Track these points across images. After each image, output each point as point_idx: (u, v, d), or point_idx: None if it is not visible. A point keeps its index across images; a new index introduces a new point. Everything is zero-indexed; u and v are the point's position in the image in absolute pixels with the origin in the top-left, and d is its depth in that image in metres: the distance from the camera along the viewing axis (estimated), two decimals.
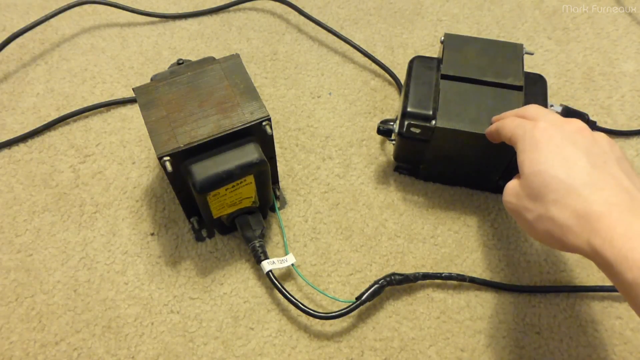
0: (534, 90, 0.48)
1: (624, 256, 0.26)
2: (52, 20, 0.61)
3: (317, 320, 0.45)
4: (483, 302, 0.46)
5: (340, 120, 0.57)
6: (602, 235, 0.28)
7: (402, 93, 0.49)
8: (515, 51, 0.48)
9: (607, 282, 0.47)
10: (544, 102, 0.48)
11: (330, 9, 0.67)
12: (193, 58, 0.53)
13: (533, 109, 0.37)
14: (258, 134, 0.42)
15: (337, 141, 0.56)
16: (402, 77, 0.55)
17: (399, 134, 0.47)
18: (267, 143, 0.44)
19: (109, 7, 0.65)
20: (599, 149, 0.32)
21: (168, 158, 0.39)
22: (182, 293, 0.46)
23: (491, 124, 0.42)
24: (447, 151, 0.47)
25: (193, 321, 0.45)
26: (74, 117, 0.57)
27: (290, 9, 0.66)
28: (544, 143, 0.32)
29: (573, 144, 0.31)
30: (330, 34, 0.63)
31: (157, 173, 0.53)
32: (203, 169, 0.40)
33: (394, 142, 0.50)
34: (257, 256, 0.45)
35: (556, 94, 0.59)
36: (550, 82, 0.54)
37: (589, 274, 0.47)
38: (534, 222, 0.32)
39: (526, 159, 0.32)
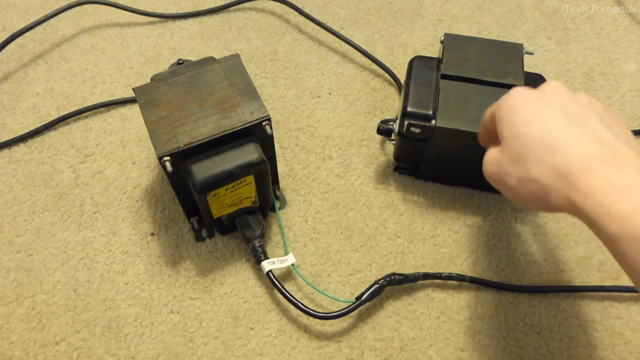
0: None
1: (606, 210, 0.26)
2: (52, 20, 0.61)
3: (317, 320, 0.45)
4: (483, 302, 0.46)
5: (340, 120, 0.57)
6: (583, 190, 0.27)
7: (402, 93, 0.49)
8: (515, 51, 0.48)
9: (607, 282, 0.47)
10: None
11: (330, 9, 0.67)
12: (193, 58, 0.53)
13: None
14: (258, 134, 0.42)
15: (337, 141, 0.56)
16: (402, 77, 0.55)
17: (399, 133, 0.47)
18: (267, 143, 0.44)
19: (109, 7, 0.65)
20: (577, 105, 0.31)
21: (168, 158, 0.39)
22: (182, 293, 0.46)
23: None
24: (447, 151, 0.47)
25: (193, 321, 0.45)
26: (74, 117, 0.57)
27: (290, 9, 0.66)
28: (520, 106, 0.32)
29: (549, 104, 0.31)
30: (330, 34, 0.63)
31: (157, 173, 0.53)
32: (203, 169, 0.40)
33: (394, 142, 0.50)
34: (257, 256, 0.45)
35: None
36: None
37: (589, 274, 0.47)
38: (515, 185, 0.31)
39: (505, 125, 0.32)
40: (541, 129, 0.30)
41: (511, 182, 0.31)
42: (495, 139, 0.36)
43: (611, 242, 0.26)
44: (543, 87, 0.33)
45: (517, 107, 0.32)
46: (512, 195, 0.32)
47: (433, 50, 0.64)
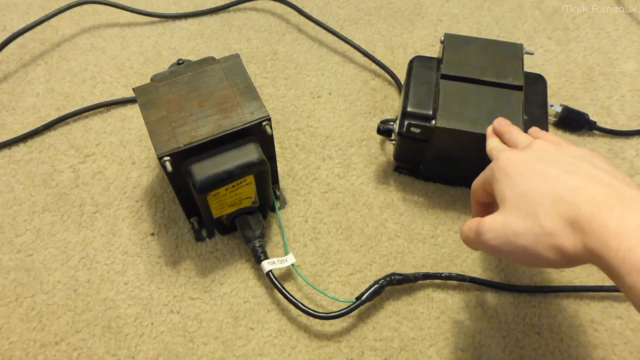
0: (534, 90, 0.48)
1: (621, 258, 0.25)
2: (52, 20, 0.61)
3: (317, 320, 0.45)
4: (483, 302, 0.46)
5: (340, 120, 0.57)
6: (596, 236, 0.27)
7: (402, 93, 0.49)
8: (515, 51, 0.48)
9: (607, 282, 0.47)
10: (543, 102, 0.48)
11: (330, 9, 0.67)
12: (193, 58, 0.53)
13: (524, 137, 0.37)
14: (258, 134, 0.42)
15: (337, 141, 0.56)
16: (402, 77, 0.55)
17: (399, 134, 0.47)
18: (267, 143, 0.44)
19: (109, 7, 0.65)
20: (567, 157, 0.32)
21: (168, 158, 0.39)
22: (182, 293, 0.46)
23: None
24: (447, 151, 0.47)
25: (193, 321, 0.45)
26: (74, 117, 0.57)
27: (290, 9, 0.66)
28: (514, 168, 0.32)
29: (541, 160, 0.32)
30: (330, 34, 0.63)
31: (157, 173, 0.53)
32: (203, 169, 0.40)
33: (394, 142, 0.50)
34: (257, 256, 0.45)
35: (556, 94, 0.59)
36: (550, 82, 0.54)
37: (589, 274, 0.47)
38: (531, 244, 0.30)
39: (505, 188, 0.32)
40: (544, 184, 0.30)
41: (524, 242, 0.30)
42: (488, 209, 0.36)
43: (628, 290, 0.26)
44: (529, 147, 0.34)
45: (512, 169, 0.32)
46: (526, 256, 0.31)
47: (433, 50, 0.64)
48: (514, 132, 0.38)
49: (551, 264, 0.30)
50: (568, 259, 0.29)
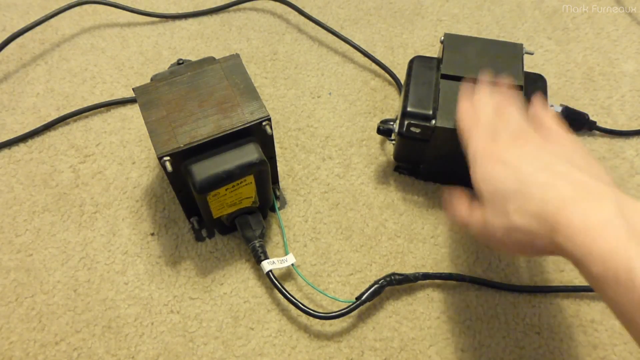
0: (534, 90, 0.48)
1: (587, 251, 0.26)
2: (52, 20, 0.61)
3: (317, 320, 0.45)
4: (483, 302, 0.46)
5: (340, 120, 0.57)
6: (563, 232, 0.28)
7: (402, 93, 0.49)
8: (515, 51, 0.48)
9: None
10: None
11: (330, 9, 0.67)
12: (193, 58, 0.53)
13: (481, 104, 0.39)
14: (258, 134, 0.42)
15: (337, 141, 0.56)
16: (402, 77, 0.55)
17: (399, 133, 0.47)
18: (267, 143, 0.44)
19: (109, 7, 0.65)
20: (545, 155, 0.33)
21: (168, 158, 0.39)
22: (182, 293, 0.46)
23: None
24: (447, 151, 0.47)
25: (193, 321, 0.45)
26: (74, 117, 0.57)
27: (290, 9, 0.66)
28: (487, 162, 0.34)
29: (517, 157, 0.33)
30: (330, 34, 0.63)
31: (157, 173, 0.53)
32: (203, 169, 0.40)
33: (394, 142, 0.50)
34: (257, 256, 0.45)
35: (556, 94, 0.59)
36: (550, 82, 0.54)
37: None
38: (503, 237, 0.32)
39: (482, 185, 0.34)
40: (517, 181, 0.32)
41: (498, 235, 0.33)
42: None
43: (595, 282, 0.27)
44: (517, 138, 0.35)
45: (485, 163, 0.34)
46: (503, 247, 0.34)
47: (433, 50, 0.64)
48: (510, 120, 0.38)
49: (523, 254, 0.33)
50: (539, 252, 0.31)
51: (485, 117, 0.38)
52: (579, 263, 0.27)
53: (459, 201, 0.39)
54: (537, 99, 0.40)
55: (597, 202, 0.28)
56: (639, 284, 0.24)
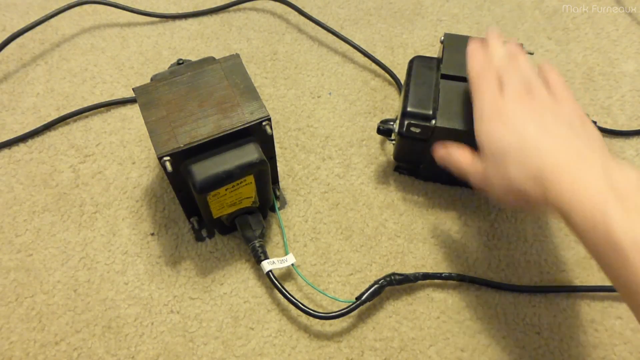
0: None
1: (573, 207, 0.31)
2: (52, 20, 0.61)
3: (317, 320, 0.45)
4: (483, 302, 0.46)
5: (340, 120, 0.57)
6: (554, 191, 0.32)
7: (402, 93, 0.49)
8: None
9: (607, 282, 0.47)
10: None
11: (330, 9, 0.67)
12: (193, 58, 0.53)
13: (496, 56, 0.41)
14: (258, 134, 0.42)
15: (337, 141, 0.56)
16: (402, 77, 0.55)
17: (399, 133, 0.47)
18: (267, 143, 0.44)
19: (109, 7, 0.65)
20: (549, 116, 0.36)
21: (168, 158, 0.39)
22: (182, 293, 0.46)
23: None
24: None
25: (193, 321, 0.45)
26: (74, 117, 0.57)
27: (290, 9, 0.66)
28: (493, 120, 0.37)
29: (522, 116, 0.36)
30: (330, 34, 0.63)
31: (157, 173, 0.53)
32: (203, 169, 0.40)
33: (394, 142, 0.50)
34: (257, 256, 0.45)
35: None
36: None
37: (589, 274, 0.47)
38: (501, 193, 0.36)
39: (484, 137, 0.37)
40: (517, 145, 0.35)
41: (497, 190, 0.36)
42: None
43: (580, 236, 0.31)
44: (525, 91, 0.37)
45: (495, 119, 0.36)
46: (500, 201, 0.37)
47: (433, 50, 0.64)
48: (521, 66, 0.39)
49: (520, 209, 0.37)
50: (531, 205, 0.35)
51: (498, 59, 0.40)
52: (566, 217, 0.32)
53: (461, 151, 0.41)
54: (544, 64, 0.42)
55: (587, 166, 0.32)
56: (612, 231, 0.29)
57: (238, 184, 0.41)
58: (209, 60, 0.46)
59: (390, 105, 0.59)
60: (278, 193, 0.51)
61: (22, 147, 0.55)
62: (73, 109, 0.57)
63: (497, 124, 0.36)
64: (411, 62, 0.50)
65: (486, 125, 0.37)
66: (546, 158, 0.33)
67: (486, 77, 0.39)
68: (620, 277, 0.29)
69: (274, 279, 0.44)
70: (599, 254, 0.30)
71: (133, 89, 0.43)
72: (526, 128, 0.35)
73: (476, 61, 0.41)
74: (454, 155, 0.41)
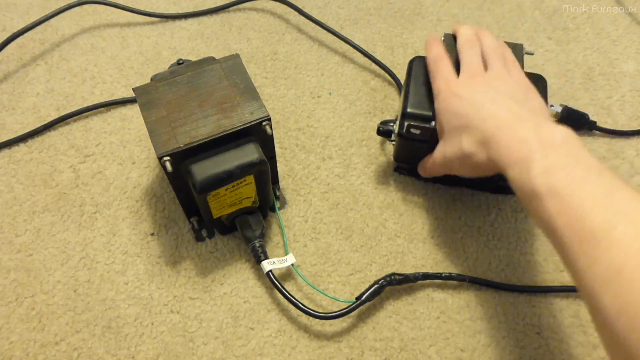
0: None
1: (508, 160, 0.35)
2: (52, 20, 0.61)
3: (317, 320, 0.45)
4: (483, 302, 0.46)
5: (340, 120, 0.57)
6: (494, 148, 0.36)
7: (402, 93, 0.49)
8: (515, 51, 0.48)
9: None
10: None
11: (330, 9, 0.67)
12: (193, 58, 0.53)
13: (462, 44, 0.46)
14: (258, 134, 0.42)
15: (337, 141, 0.56)
16: (402, 77, 0.55)
17: (399, 134, 0.47)
18: (267, 143, 0.44)
19: (109, 7, 0.65)
20: (495, 87, 0.41)
21: (168, 158, 0.39)
22: (182, 293, 0.46)
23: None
24: None
25: (193, 321, 0.45)
26: (74, 117, 0.57)
27: (290, 9, 0.66)
28: (447, 97, 0.42)
29: (468, 90, 0.41)
30: (330, 34, 0.63)
31: (157, 173, 0.53)
32: (203, 169, 0.40)
33: (393, 142, 0.50)
34: (257, 256, 0.45)
35: (556, 94, 0.59)
36: (550, 82, 0.54)
37: None
38: (457, 164, 0.41)
39: (444, 125, 0.42)
40: (467, 115, 0.40)
41: (455, 163, 0.41)
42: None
43: (513, 184, 0.35)
44: (465, 78, 0.43)
45: (448, 104, 0.42)
46: (459, 171, 0.42)
47: None
48: (474, 52, 0.45)
49: (475, 174, 0.40)
50: (483, 170, 0.39)
51: (462, 38, 0.46)
52: (504, 170, 0.35)
53: (424, 161, 0.48)
54: (499, 40, 0.47)
55: (521, 126, 0.36)
56: (532, 178, 0.33)
57: (238, 184, 0.41)
58: (209, 60, 0.46)
59: (390, 105, 0.59)
60: (278, 193, 0.51)
61: (22, 147, 0.55)
62: (73, 109, 0.57)
63: (452, 101, 0.41)
64: (411, 62, 0.50)
65: (442, 103, 0.42)
66: (489, 123, 0.38)
67: (442, 61, 0.44)
68: (542, 222, 0.32)
69: (274, 279, 0.44)
70: (525, 201, 0.34)
71: (133, 89, 0.43)
72: (476, 100, 0.40)
73: (433, 48, 0.46)
74: (423, 162, 0.48)
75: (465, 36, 0.46)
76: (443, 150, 0.43)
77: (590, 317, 0.30)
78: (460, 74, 0.43)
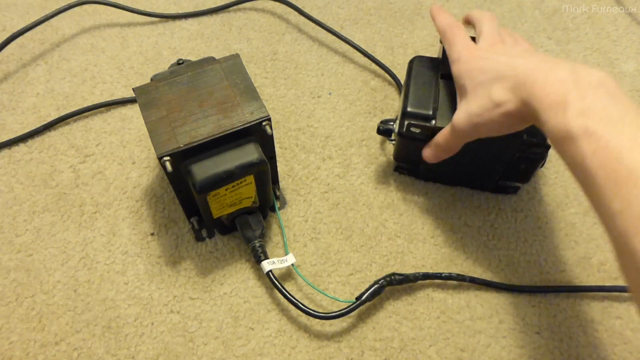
0: None
1: (543, 102, 0.33)
2: (52, 20, 0.61)
3: (317, 320, 0.45)
4: (483, 302, 0.46)
5: (340, 120, 0.57)
6: (527, 89, 0.35)
7: (402, 93, 0.49)
8: None
9: (607, 282, 0.47)
10: None
11: (330, 9, 0.67)
12: (193, 58, 0.53)
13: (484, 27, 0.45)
14: (258, 134, 0.42)
15: (337, 141, 0.56)
16: (402, 77, 0.55)
17: (399, 134, 0.47)
18: (267, 143, 0.44)
19: (109, 7, 0.65)
20: (513, 49, 0.41)
21: (168, 158, 0.39)
22: (182, 293, 0.46)
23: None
24: None
25: (193, 321, 0.45)
26: (74, 117, 0.57)
27: (290, 9, 0.66)
28: (470, 59, 0.41)
29: (491, 53, 0.40)
30: (330, 34, 0.63)
31: (157, 173, 0.53)
32: (203, 169, 0.40)
33: (394, 142, 0.50)
34: (257, 256, 0.45)
35: None
36: None
37: (589, 274, 0.47)
38: (488, 118, 0.38)
39: (466, 82, 0.41)
40: (494, 71, 0.39)
41: (484, 117, 0.39)
42: None
43: (543, 126, 0.33)
44: (488, 47, 0.42)
45: (472, 66, 0.40)
46: (487, 128, 0.39)
47: (433, 50, 0.64)
48: (487, 23, 0.45)
49: (506, 129, 0.39)
50: (512, 121, 0.37)
51: (482, 12, 0.46)
52: (536, 113, 0.34)
53: (434, 140, 0.45)
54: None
55: (557, 66, 0.35)
56: (568, 119, 0.31)
57: (238, 184, 0.41)
58: (209, 60, 0.46)
59: (390, 105, 0.59)
60: (278, 193, 0.51)
61: (22, 147, 0.55)
62: (73, 109, 0.57)
63: (476, 62, 0.40)
64: (411, 62, 0.50)
65: (465, 65, 0.41)
66: (522, 68, 0.37)
67: (458, 28, 0.44)
68: (574, 164, 0.31)
69: (274, 279, 0.44)
70: (558, 144, 0.32)
71: (133, 89, 0.43)
72: (500, 58, 0.39)
73: (441, 15, 0.46)
74: (435, 140, 0.45)
75: (483, 13, 0.46)
76: (467, 108, 0.40)
77: (619, 263, 0.29)
78: (479, 42, 0.43)
